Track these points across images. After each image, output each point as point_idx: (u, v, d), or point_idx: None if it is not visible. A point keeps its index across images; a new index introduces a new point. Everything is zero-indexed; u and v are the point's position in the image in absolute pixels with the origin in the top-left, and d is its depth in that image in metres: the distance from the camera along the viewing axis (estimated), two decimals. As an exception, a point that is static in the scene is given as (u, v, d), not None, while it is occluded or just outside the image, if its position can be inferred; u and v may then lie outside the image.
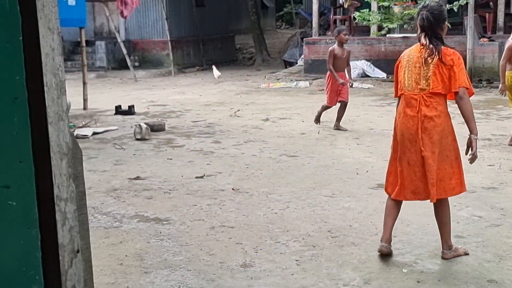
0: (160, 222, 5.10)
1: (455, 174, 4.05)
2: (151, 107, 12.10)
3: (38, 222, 1.75)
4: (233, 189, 6.05)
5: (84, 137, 8.91)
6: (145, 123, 9.12)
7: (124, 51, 17.62)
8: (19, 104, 1.68)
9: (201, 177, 6.54)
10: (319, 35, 17.04)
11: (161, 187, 6.18)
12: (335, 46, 9.02)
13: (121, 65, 18.87)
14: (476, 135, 4.00)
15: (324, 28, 18.63)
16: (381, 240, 4.22)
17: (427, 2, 4.14)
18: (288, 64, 19.51)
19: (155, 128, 9.24)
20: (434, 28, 4.02)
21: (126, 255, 4.38)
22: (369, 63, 15.53)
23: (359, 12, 15.25)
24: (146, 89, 15.30)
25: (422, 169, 4.00)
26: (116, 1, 15.29)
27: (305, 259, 4.25)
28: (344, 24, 17.62)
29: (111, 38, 19.21)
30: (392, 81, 16.34)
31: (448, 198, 4.13)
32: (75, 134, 8.78)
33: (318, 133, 8.90)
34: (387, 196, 4.28)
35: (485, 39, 14.38)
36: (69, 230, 1.84)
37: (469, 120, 4.02)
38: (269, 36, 26.73)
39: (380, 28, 15.49)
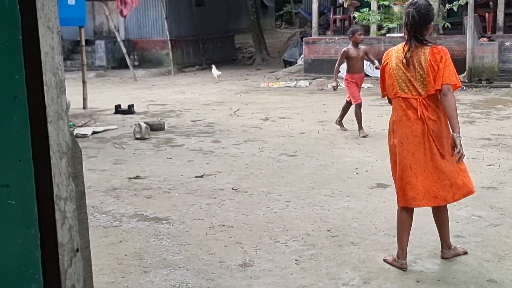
0: (160, 222, 5.10)
1: (462, 173, 4.05)
2: (150, 106, 12.10)
3: (37, 221, 1.75)
4: (232, 188, 6.05)
5: (84, 136, 8.91)
6: (145, 123, 9.12)
7: (124, 50, 17.62)
8: (19, 103, 1.68)
9: (201, 176, 6.54)
10: (319, 34, 17.03)
11: (160, 187, 6.18)
12: (350, 46, 8.84)
13: (121, 65, 18.87)
14: (459, 134, 3.82)
15: (324, 27, 18.62)
16: (398, 257, 4.05)
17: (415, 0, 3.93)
18: (288, 63, 19.50)
19: (155, 128, 9.23)
20: (418, 27, 3.87)
21: (125, 254, 4.38)
22: (368, 62, 15.51)
23: (359, 11, 15.24)
24: (145, 88, 15.30)
25: (434, 172, 3.90)
26: (115, 0, 15.27)
27: (304, 259, 4.25)
28: (343, 24, 17.64)
29: (110, 37, 19.21)
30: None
31: None
32: (74, 133, 8.78)
33: (318, 132, 8.90)
34: (389, 201, 4.18)
35: (485, 39, 14.38)
36: (69, 229, 1.84)
37: (452, 118, 3.82)
38: (268, 35, 26.73)
39: (380, 27, 15.49)
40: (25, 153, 1.71)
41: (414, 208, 4.10)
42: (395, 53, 4.01)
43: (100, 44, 19.13)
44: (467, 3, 13.88)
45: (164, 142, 8.52)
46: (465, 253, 4.22)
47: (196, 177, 6.52)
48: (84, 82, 11.70)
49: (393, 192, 4.32)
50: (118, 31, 18.40)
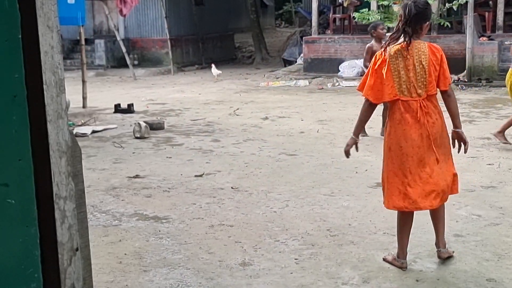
0: (159, 221, 5.10)
1: (453, 172, 4.05)
2: (150, 105, 12.10)
3: (37, 220, 1.75)
4: (232, 187, 6.05)
5: (83, 135, 8.91)
6: (144, 122, 9.12)
7: (124, 49, 17.61)
8: (18, 102, 1.68)
9: (200, 175, 6.54)
10: (319, 33, 17.02)
11: (160, 186, 6.18)
12: (373, 42, 8.51)
13: (120, 64, 18.86)
14: (462, 130, 4.00)
15: (324, 27, 18.61)
16: (398, 256, 4.05)
17: None
18: (288, 62, 19.50)
19: (154, 127, 9.23)
20: (414, 22, 3.81)
21: (125, 254, 4.39)
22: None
23: (359, 11, 15.23)
24: (145, 87, 15.30)
25: (432, 173, 3.88)
26: (115, -1, 15.28)
27: (304, 258, 4.25)
28: (343, 23, 17.63)
29: (110, 36, 19.20)
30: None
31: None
32: (74, 133, 8.78)
33: (317, 131, 8.90)
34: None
35: (485, 38, 14.38)
36: (68, 228, 1.84)
37: (456, 116, 3.97)
38: (268, 34, 26.71)
39: (379, 27, 15.47)
40: (25, 152, 1.71)
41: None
42: (393, 53, 3.88)
43: (100, 43, 19.12)
44: (467, 2, 13.87)
45: (164, 141, 8.52)
46: (452, 252, 4.21)
47: (195, 176, 6.52)
48: (83, 81, 11.70)
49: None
50: (117, 30, 18.39)
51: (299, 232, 4.76)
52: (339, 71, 15.61)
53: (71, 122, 9.55)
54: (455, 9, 14.45)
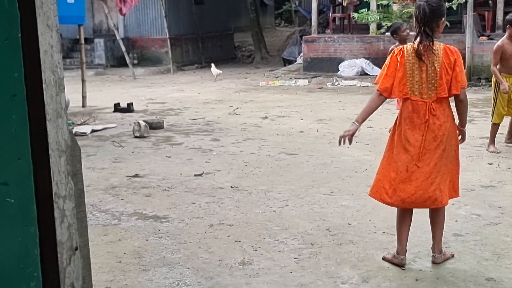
0: (159, 220, 5.10)
1: (456, 177, 4.05)
2: (150, 104, 12.10)
3: (36, 219, 1.75)
4: (231, 187, 6.05)
5: (83, 134, 8.91)
6: (144, 121, 9.12)
7: (123, 48, 17.60)
8: (18, 101, 1.68)
9: (200, 175, 6.54)
10: (318, 33, 17.02)
11: (159, 185, 6.18)
12: (397, 44, 8.21)
13: (120, 63, 18.86)
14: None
15: (323, 26, 18.62)
16: (397, 253, 4.07)
17: None
18: (287, 62, 19.51)
19: (154, 126, 9.23)
20: (429, 21, 3.81)
21: (124, 253, 4.38)
22: (368, 61, 15.53)
23: (358, 10, 15.24)
24: (145, 86, 15.30)
25: (428, 175, 3.88)
26: (115, -2, 15.27)
27: (303, 257, 4.25)
28: (343, 22, 17.63)
29: (110, 35, 19.20)
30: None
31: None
32: (73, 132, 8.78)
33: (317, 131, 8.90)
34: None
35: (484, 38, 14.38)
36: (68, 227, 1.84)
37: (464, 118, 4.08)
38: (268, 34, 26.72)
39: (379, 26, 15.49)
40: (24, 151, 1.71)
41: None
42: (410, 53, 3.88)
43: (99, 43, 19.12)
44: (466, 1, 13.88)
45: (163, 140, 8.52)
46: (452, 255, 4.20)
47: (195, 175, 6.52)
48: (83, 81, 11.69)
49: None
50: (117, 29, 18.39)
51: (298, 231, 4.76)
52: (339, 70, 15.62)
53: (70, 121, 9.55)
54: (455, 9, 14.45)
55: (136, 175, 6.57)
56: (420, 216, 4.47)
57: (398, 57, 3.91)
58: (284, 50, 20.61)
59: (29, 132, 1.71)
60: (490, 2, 15.91)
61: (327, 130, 8.93)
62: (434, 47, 3.84)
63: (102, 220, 5.13)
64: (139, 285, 3.87)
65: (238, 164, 6.99)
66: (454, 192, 4.06)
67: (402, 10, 14.46)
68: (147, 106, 11.84)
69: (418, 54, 3.83)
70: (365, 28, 16.55)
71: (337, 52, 16.10)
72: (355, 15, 15.02)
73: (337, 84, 14.58)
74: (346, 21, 17.50)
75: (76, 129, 9.15)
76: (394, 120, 4.09)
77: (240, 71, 18.83)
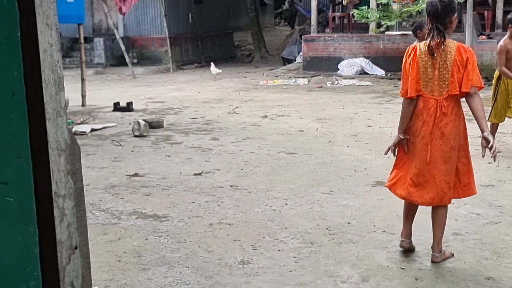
0: (158, 219, 5.10)
1: (467, 174, 4.08)
2: (149, 104, 12.09)
3: (36, 219, 1.75)
4: (231, 186, 6.05)
5: (82, 133, 8.91)
6: (144, 120, 9.12)
7: (123, 47, 17.59)
8: (17, 100, 1.68)
9: (199, 174, 6.54)
10: (318, 32, 17.02)
11: (159, 184, 6.18)
12: (418, 42, 8.24)
13: (120, 62, 18.85)
14: (489, 133, 3.90)
15: (323, 25, 18.62)
16: (401, 235, 4.25)
17: None
18: (287, 61, 19.50)
19: (154, 125, 9.23)
20: (441, 17, 3.84)
21: (124, 252, 4.38)
22: (367, 60, 15.53)
23: (358, 9, 15.24)
24: (144, 86, 15.29)
25: (435, 172, 3.95)
26: (114, -3, 15.26)
27: (303, 256, 4.25)
28: (342, 21, 17.63)
29: (109, 34, 19.19)
30: (391, 79, 15.91)
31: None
32: (73, 131, 8.78)
33: (317, 130, 8.90)
34: (388, 199, 4.23)
35: (484, 37, 14.38)
36: (67, 226, 1.84)
37: (481, 119, 3.87)
38: (267, 33, 26.70)
39: (378, 25, 15.50)
40: (24, 151, 1.71)
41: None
42: (423, 50, 3.92)
43: (99, 42, 19.11)
44: (466, 1, 13.87)
45: (163, 139, 8.52)
46: (452, 254, 4.21)
47: (194, 174, 6.52)
48: (82, 80, 11.69)
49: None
50: (117, 28, 18.37)
51: (298, 230, 4.77)
52: (338, 69, 15.61)
53: (70, 121, 9.55)
54: (455, 8, 14.43)
55: (136, 174, 6.57)
56: (420, 215, 4.47)
57: (410, 57, 3.97)
58: (283, 49, 20.61)
59: (28, 131, 1.71)
60: (489, 1, 15.91)
61: (327, 129, 8.93)
62: (446, 44, 3.86)
63: (101, 219, 5.13)
64: (138, 284, 3.87)
65: (237, 163, 6.99)
66: (468, 190, 4.14)
67: (401, 9, 14.46)
68: (146, 105, 11.83)
69: (430, 50, 3.86)
70: (364, 27, 16.55)
71: (336, 51, 16.09)
72: (355, 11, 15.00)
73: (337, 83, 14.58)
74: (345, 20, 17.49)
75: (75, 128, 9.15)
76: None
77: (239, 70, 18.83)
